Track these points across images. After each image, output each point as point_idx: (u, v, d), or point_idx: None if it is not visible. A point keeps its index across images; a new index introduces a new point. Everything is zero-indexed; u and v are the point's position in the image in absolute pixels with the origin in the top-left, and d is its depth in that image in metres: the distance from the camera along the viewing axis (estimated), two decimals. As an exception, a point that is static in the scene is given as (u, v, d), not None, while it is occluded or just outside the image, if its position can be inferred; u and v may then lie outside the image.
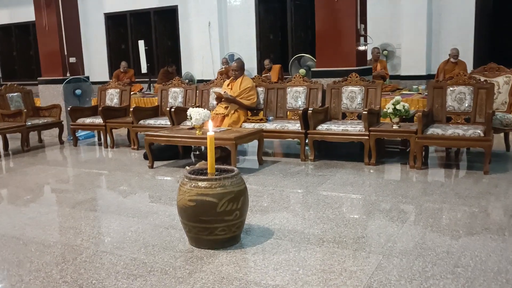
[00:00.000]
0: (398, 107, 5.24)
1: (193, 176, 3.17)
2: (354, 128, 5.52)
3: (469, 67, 9.23)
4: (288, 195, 4.44)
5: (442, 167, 5.33)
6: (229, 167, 3.42)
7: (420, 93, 8.53)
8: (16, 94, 7.79)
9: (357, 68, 6.12)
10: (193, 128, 5.66)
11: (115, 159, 6.48)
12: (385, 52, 10.70)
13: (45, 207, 4.30)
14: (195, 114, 5.28)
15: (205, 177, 3.15)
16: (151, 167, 5.69)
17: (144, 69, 12.00)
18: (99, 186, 5.00)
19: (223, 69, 11.13)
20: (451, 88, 5.47)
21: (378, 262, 2.89)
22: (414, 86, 9.51)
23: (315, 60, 6.71)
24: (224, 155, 5.40)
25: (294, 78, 6.39)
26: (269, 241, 3.28)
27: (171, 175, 5.40)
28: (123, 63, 11.73)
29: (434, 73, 9.98)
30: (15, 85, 7.96)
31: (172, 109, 6.44)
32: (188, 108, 6.37)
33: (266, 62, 10.80)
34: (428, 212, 3.78)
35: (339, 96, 6.06)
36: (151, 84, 11.68)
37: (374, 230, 3.42)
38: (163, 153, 6.09)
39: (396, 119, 5.31)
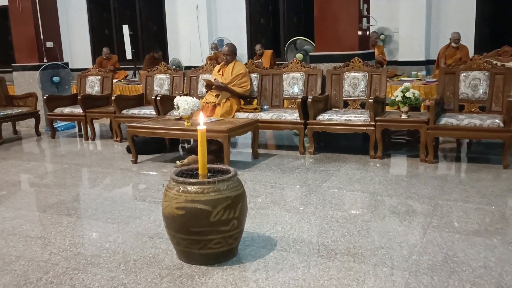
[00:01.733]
0: (407, 94, 4.75)
1: (181, 179, 2.65)
2: (359, 118, 5.02)
3: (471, 52, 8.78)
4: (289, 194, 3.94)
5: (455, 161, 4.87)
6: (224, 166, 2.91)
7: (420, 80, 8.04)
8: (-13, 81, 7.15)
9: (360, 52, 5.61)
10: (180, 118, 5.13)
11: (96, 152, 5.93)
12: (382, 36, 10.20)
13: (11, 211, 3.76)
14: (183, 103, 4.74)
15: (195, 180, 2.63)
16: (135, 162, 5.16)
17: (129, 55, 11.37)
18: (76, 185, 4.46)
19: (212, 55, 10.57)
20: (464, 74, 4.99)
21: (405, 282, 2.41)
22: (413, 72, 9.01)
23: (314, 44, 6.18)
24: (215, 149, 4.88)
25: (291, 63, 5.87)
26: (272, 254, 2.79)
27: (157, 170, 4.88)
28: (105, 49, 11.12)
29: (433, 59, 9.53)
30: (-14, 72, 7.32)
31: (158, 98, 5.89)
32: (175, 97, 5.84)
33: (258, 47, 10.26)
34: (451, 215, 3.31)
35: (340, 83, 5.55)
36: (137, 71, 11.09)
37: (393, 239, 2.94)
38: (148, 146, 5.55)
39: (405, 108, 4.82)
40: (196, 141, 5.12)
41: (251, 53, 11.12)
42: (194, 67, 6.48)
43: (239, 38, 11.21)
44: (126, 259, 2.80)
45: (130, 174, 4.77)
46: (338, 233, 3.06)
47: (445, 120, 4.61)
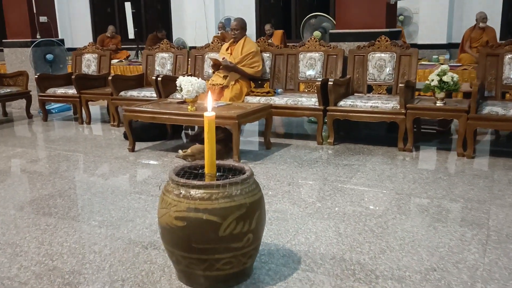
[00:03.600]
0: (445, 78, 4.13)
1: (182, 180, 2.06)
2: (386, 104, 4.41)
3: (498, 35, 8.11)
4: (310, 193, 3.35)
5: (496, 155, 4.25)
6: (236, 164, 2.31)
7: (442, 64, 7.37)
8: (-26, 58, 6.54)
9: (387, 30, 4.97)
10: (184, 102, 4.54)
11: (90, 138, 5.35)
12: (401, 17, 9.52)
13: (-17, 208, 3.19)
14: (187, 84, 4.14)
15: (201, 183, 2.04)
16: (132, 150, 4.58)
17: (131, 35, 10.74)
18: (62, 176, 3.88)
19: (219, 35, 9.92)
20: (509, 56, 4.35)
21: (475, 323, 1.83)
22: (434, 56, 8.33)
23: (334, 21, 5.54)
24: (223, 137, 4.28)
25: (308, 41, 5.23)
26: (296, 276, 2.21)
27: (157, 160, 4.30)
28: (111, 27, 10.51)
29: (456, 42, 8.89)
30: (-27, 47, 6.72)
31: (159, 78, 5.28)
32: (176, 77, 5.23)
33: (267, 27, 9.59)
34: (511, 226, 2.72)
35: (364, 64, 4.92)
36: (139, 51, 10.45)
37: (447, 257, 2.36)
38: (147, 132, 4.97)
39: (441, 94, 4.20)
40: (201, 127, 4.52)
41: (260, 34, 10.47)
42: (200, 46, 5.85)
43: (248, 17, 10.45)
44: (112, 278, 2.23)
45: (125, 165, 4.19)
46: (375, 247, 2.48)
47: (488, 109, 3.99)
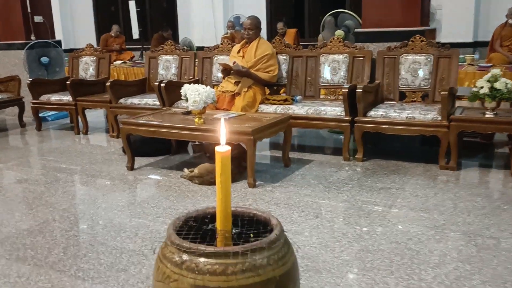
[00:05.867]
0: (497, 85, 3.50)
1: (185, 244, 1.45)
2: (425, 115, 3.79)
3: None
4: (345, 231, 2.73)
5: (556, 175, 3.62)
6: (258, 212, 1.71)
7: (471, 64, 6.72)
8: (-39, 62, 6.00)
9: (421, 28, 4.35)
10: (190, 112, 3.95)
11: (86, 151, 4.76)
12: (422, 14, 8.86)
13: None
14: (193, 94, 3.54)
15: (212, 249, 1.43)
16: (131, 168, 3.99)
17: (135, 34, 10.20)
18: (46, 204, 3.30)
19: (229, 35, 9.34)
20: None
21: None
22: (461, 56, 7.66)
23: (358, 19, 4.93)
24: (236, 154, 3.67)
25: (331, 42, 4.61)
26: None
27: (159, 181, 3.71)
28: (115, 27, 10.01)
29: (483, 40, 8.24)
30: (-40, 50, 6.17)
31: (162, 85, 4.69)
32: (183, 83, 4.64)
33: (280, 25, 9.00)
34: None
35: (395, 68, 4.31)
36: (144, 52, 9.89)
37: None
38: (148, 145, 4.38)
39: (493, 104, 3.56)
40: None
41: (272, 33, 9.86)
42: (208, 48, 5.27)
43: (258, 15, 9.79)
44: None
45: (122, 187, 3.60)
46: (442, 318, 1.87)
47: (551, 122, 3.36)
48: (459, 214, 2.88)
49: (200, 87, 3.58)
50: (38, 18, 6.69)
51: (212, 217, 1.66)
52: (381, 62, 4.36)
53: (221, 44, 5.21)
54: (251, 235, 1.57)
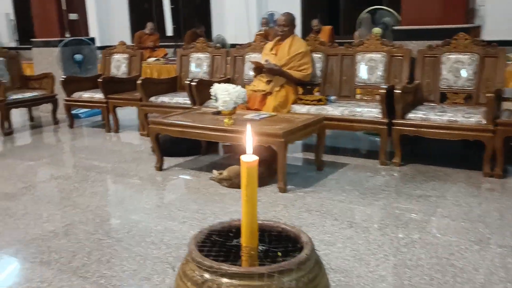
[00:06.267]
0: (550, 87, 3.24)
1: (207, 262, 1.33)
2: (468, 119, 3.56)
3: None
4: (380, 242, 2.55)
5: None
6: (287, 227, 1.57)
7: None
8: (-3, 59, 6.08)
9: (465, 26, 4.11)
10: (219, 112, 3.84)
11: (116, 150, 4.73)
12: (464, 11, 8.49)
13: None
14: (223, 94, 3.42)
15: (236, 269, 1.31)
16: (159, 168, 3.91)
17: (169, 32, 10.23)
18: (74, 204, 3.25)
19: (263, 32, 9.21)
20: None
21: None
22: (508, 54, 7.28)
23: (397, 16, 4.71)
24: (265, 157, 3.53)
25: (368, 40, 4.41)
26: None
27: (188, 182, 3.62)
28: (150, 24, 10.03)
29: (530, 38, 7.81)
30: (-3, 48, 6.25)
31: (193, 83, 4.60)
32: (212, 81, 4.56)
33: (315, 22, 8.82)
34: None
35: (436, 67, 4.08)
36: (177, 49, 9.88)
37: None
38: (178, 145, 4.28)
39: (544, 107, 3.31)
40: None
41: (306, 30, 9.66)
42: (240, 45, 5.15)
43: (292, 12, 9.68)
44: None
45: (150, 189, 3.53)
46: None
47: None
48: (507, 227, 2.66)
49: (230, 87, 3.45)
50: (73, 16, 6.74)
51: (237, 231, 1.53)
52: (421, 61, 4.13)
53: (254, 41, 5.07)
54: (279, 254, 1.43)
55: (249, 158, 1.38)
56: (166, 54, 9.89)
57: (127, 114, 6.57)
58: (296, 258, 1.34)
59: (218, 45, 5.49)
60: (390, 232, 2.63)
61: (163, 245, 2.57)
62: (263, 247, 1.46)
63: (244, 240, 1.42)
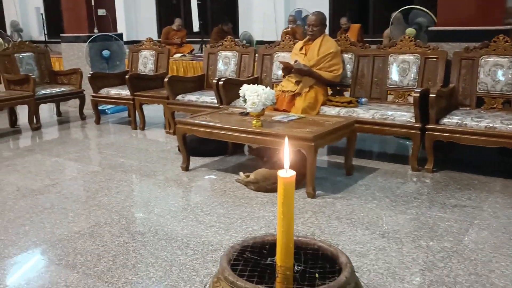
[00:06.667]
0: None
1: (241, 283, 1.26)
2: (507, 125, 3.40)
3: None
4: (415, 256, 2.44)
5: None
6: (323, 243, 1.49)
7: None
8: (27, 54, 6.13)
9: (506, 27, 3.94)
10: (247, 113, 3.78)
11: (142, 148, 4.71)
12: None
13: (-4, 250, 2.59)
14: (252, 95, 3.35)
15: (270, 292, 1.24)
16: (186, 169, 3.87)
17: (196, 28, 10.19)
18: (100, 205, 3.23)
19: (289, 30, 9.09)
20: None
21: None
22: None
23: (433, 16, 4.56)
24: (295, 160, 3.44)
25: (401, 41, 4.28)
26: None
27: (214, 183, 3.56)
28: (178, 20, 10.01)
29: None
30: (27, 42, 6.30)
31: (220, 82, 4.54)
32: (242, 81, 4.49)
33: (343, 21, 8.65)
34: None
35: (474, 71, 3.92)
36: (203, 45, 9.85)
37: None
38: (204, 145, 4.23)
39: None
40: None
41: (334, 28, 9.50)
42: (267, 42, 5.06)
43: (320, 9, 9.49)
44: None
45: (176, 190, 3.48)
46: None
47: None
48: (549, 243, 2.52)
49: (259, 88, 3.38)
50: (101, 12, 6.75)
51: (271, 247, 1.45)
52: (457, 64, 3.98)
53: (283, 40, 4.98)
54: (316, 275, 1.35)
55: (287, 173, 1.30)
56: (192, 50, 9.88)
57: (153, 110, 6.57)
58: (335, 282, 1.26)
59: (244, 42, 5.42)
60: (425, 244, 2.52)
61: (190, 251, 2.51)
62: (299, 267, 1.38)
63: (279, 259, 1.34)
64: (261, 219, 2.90)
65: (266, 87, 3.41)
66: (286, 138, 1.38)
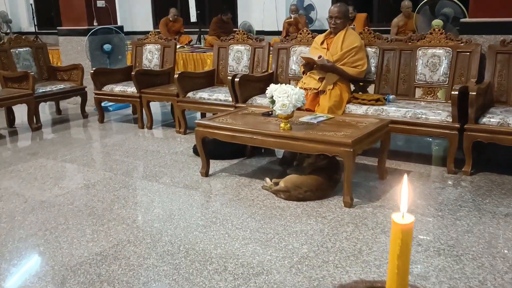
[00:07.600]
0: None
1: None
2: (554, 125, 3.17)
3: None
4: (481, 277, 2.21)
5: None
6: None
7: None
8: (24, 49, 5.79)
9: (544, 18, 3.69)
10: (270, 113, 3.53)
11: (152, 150, 4.42)
12: None
13: None
14: (282, 96, 3.07)
15: None
16: (205, 174, 3.60)
17: (193, 18, 9.86)
18: (118, 219, 2.96)
19: (292, 19, 8.79)
20: None
21: None
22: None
23: (461, 6, 4.29)
24: (324, 165, 3.18)
25: (430, 34, 4.02)
26: None
27: (238, 190, 3.29)
28: (173, 10, 9.72)
29: None
30: (24, 37, 5.95)
31: (236, 79, 4.26)
32: (257, 77, 4.22)
33: (349, 10, 8.33)
34: None
35: (510, 65, 3.68)
36: (202, 36, 9.54)
37: None
38: (221, 148, 3.96)
39: None
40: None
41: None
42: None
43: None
44: None
45: (199, 199, 3.22)
46: None
47: None
48: None
49: (289, 88, 3.11)
50: (100, 3, 6.41)
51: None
52: (493, 58, 3.74)
53: (300, 33, 4.69)
54: None
55: (405, 219, 1.04)
56: (190, 41, 9.57)
57: (157, 107, 6.28)
58: None
59: (258, 38, 5.12)
60: (489, 265, 2.29)
61: (228, 275, 2.26)
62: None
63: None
64: (300, 234, 2.65)
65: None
66: (405, 176, 1.11)
